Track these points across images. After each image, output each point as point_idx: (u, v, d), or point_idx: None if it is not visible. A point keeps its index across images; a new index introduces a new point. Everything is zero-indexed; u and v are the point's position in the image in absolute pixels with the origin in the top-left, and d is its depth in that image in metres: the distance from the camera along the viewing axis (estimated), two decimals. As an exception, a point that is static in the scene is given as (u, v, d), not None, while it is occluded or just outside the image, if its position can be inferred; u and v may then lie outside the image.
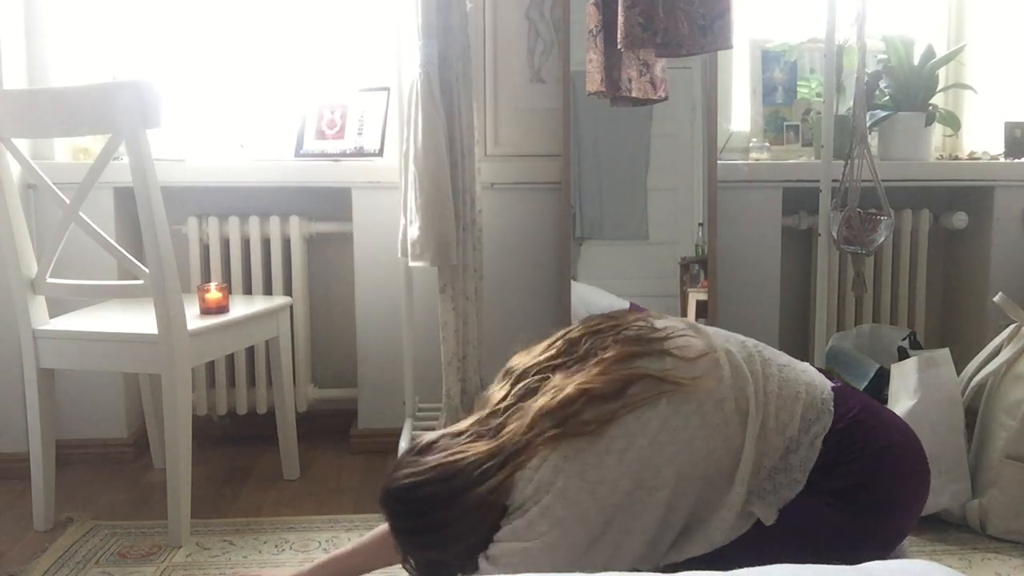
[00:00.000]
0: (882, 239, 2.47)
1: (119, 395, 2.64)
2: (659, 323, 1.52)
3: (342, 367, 2.85)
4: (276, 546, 2.07)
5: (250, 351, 2.75)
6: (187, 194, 2.67)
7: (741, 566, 1.03)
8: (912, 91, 2.75)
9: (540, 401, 1.40)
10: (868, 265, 2.80)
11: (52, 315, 2.19)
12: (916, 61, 2.76)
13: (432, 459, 1.40)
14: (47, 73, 2.57)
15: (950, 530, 2.12)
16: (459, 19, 2.30)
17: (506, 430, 1.41)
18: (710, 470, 1.38)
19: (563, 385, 1.40)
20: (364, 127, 2.71)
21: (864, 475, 1.41)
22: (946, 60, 2.82)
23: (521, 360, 1.54)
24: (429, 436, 1.48)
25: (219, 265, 2.71)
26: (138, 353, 2.09)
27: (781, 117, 2.96)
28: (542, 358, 1.50)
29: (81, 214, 2.06)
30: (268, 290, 2.74)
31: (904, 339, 2.37)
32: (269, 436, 2.58)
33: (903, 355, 2.26)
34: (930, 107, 2.77)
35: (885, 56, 2.80)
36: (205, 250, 2.73)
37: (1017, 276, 2.75)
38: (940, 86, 2.82)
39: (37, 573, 1.92)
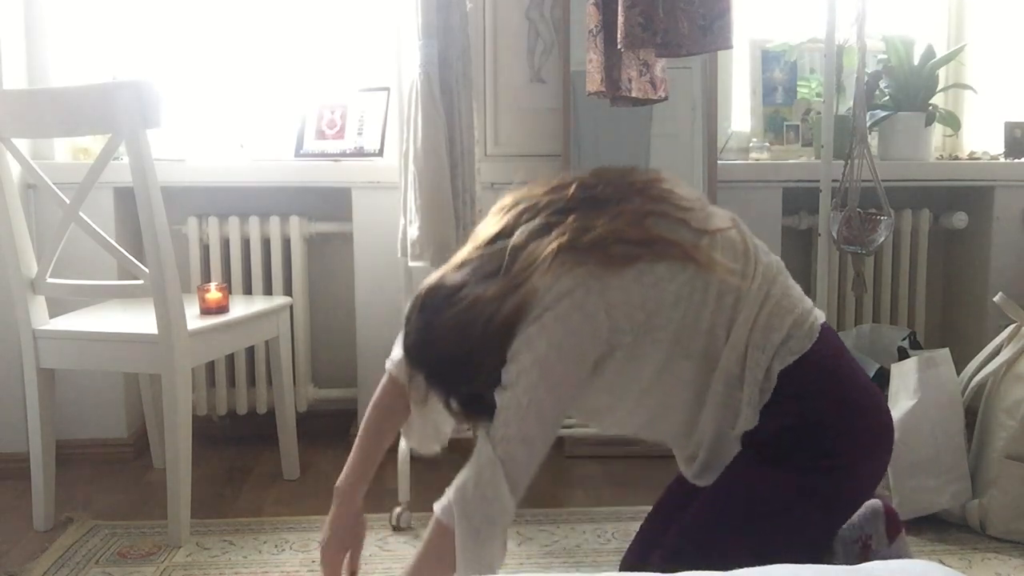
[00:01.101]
0: (882, 239, 2.47)
1: (119, 395, 2.64)
2: (692, 194, 1.42)
3: (342, 367, 2.84)
4: (276, 546, 2.07)
5: (250, 351, 2.74)
6: (187, 194, 2.67)
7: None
8: (912, 91, 2.75)
9: (559, 240, 1.29)
10: (868, 265, 2.80)
11: (52, 315, 2.19)
12: (916, 61, 2.76)
13: (442, 318, 1.32)
14: (47, 73, 2.57)
15: (950, 530, 2.12)
16: (459, 19, 2.30)
17: (517, 267, 1.30)
18: (705, 349, 1.33)
19: (586, 226, 1.30)
20: (364, 127, 2.71)
21: (815, 415, 1.34)
22: (946, 60, 2.82)
23: (522, 195, 1.41)
24: (430, 281, 1.38)
25: (219, 265, 2.71)
26: (138, 353, 2.10)
27: (781, 117, 2.96)
28: (554, 196, 1.37)
29: (81, 214, 2.06)
30: (268, 290, 2.74)
31: (904, 339, 2.37)
32: (269, 436, 2.58)
33: (903, 355, 2.25)
34: (930, 107, 2.77)
35: (885, 56, 2.80)
36: (205, 250, 2.73)
37: (1017, 276, 2.75)
38: (940, 86, 2.82)
39: (37, 573, 1.92)
